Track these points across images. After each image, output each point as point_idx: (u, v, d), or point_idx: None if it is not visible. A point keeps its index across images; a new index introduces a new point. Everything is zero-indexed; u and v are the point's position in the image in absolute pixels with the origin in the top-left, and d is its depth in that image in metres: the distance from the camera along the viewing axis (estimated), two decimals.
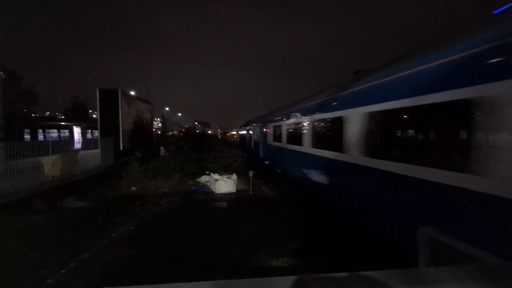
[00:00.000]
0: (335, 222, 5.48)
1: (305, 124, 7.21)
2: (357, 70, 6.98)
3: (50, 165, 8.25)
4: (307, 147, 6.95)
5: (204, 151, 14.25)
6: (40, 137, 18.50)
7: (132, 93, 17.32)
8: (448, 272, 0.77)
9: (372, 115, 4.20)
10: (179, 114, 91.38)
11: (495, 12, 3.04)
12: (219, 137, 42.65)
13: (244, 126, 25.02)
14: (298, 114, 8.00)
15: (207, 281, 0.80)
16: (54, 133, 20.15)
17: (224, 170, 11.74)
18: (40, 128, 19.46)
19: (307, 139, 6.97)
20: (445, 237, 1.38)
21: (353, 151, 4.63)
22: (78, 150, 10.76)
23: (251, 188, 9.76)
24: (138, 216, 6.83)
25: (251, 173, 9.87)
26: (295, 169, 8.07)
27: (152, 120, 20.27)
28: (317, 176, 6.27)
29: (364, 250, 4.22)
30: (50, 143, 8.94)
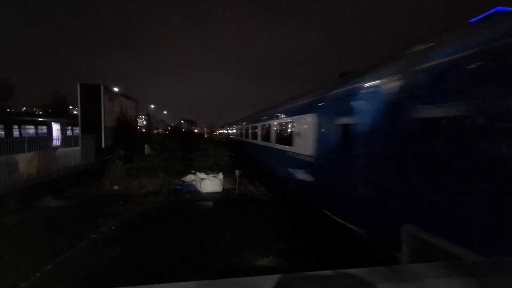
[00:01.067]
0: (320, 221, 5.55)
1: (241, 127, 16.83)
2: (343, 72, 7.11)
3: (25, 162, 7.85)
4: (246, 139, 15.16)
5: (190, 150, 14.05)
6: (16, 133, 17.56)
7: (116, 89, 16.78)
8: (431, 269, 0.79)
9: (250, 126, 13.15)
10: (165, 112, 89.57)
11: (471, 20, 3.16)
12: (206, 136, 42.28)
13: (221, 127, 40.36)
14: (237, 124, 19.10)
15: (189, 281, 0.77)
16: (31, 129, 19.18)
17: (210, 169, 11.63)
18: (16, 124, 18.45)
19: (244, 135, 15.76)
20: (426, 235, 1.42)
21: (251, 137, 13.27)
22: (56, 147, 10.30)
23: (237, 187, 9.71)
24: (121, 216, 6.63)
25: (237, 172, 9.82)
26: (240, 149, 16.88)
27: (137, 117, 19.73)
28: (243, 149, 15.42)
29: (348, 248, 4.30)
30: (26, 139, 8.50)
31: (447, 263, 0.83)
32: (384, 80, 3.57)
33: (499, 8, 2.89)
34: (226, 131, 28.95)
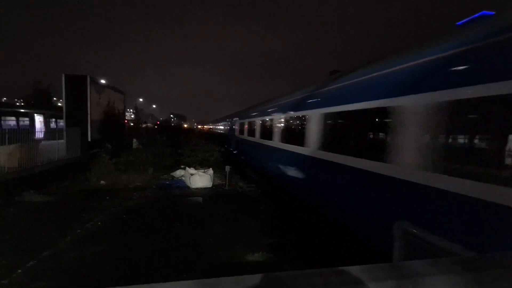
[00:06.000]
0: (309, 217, 5.62)
1: (226, 123, 22.12)
2: (333, 70, 7.21)
3: (6, 155, 7.53)
4: (231, 133, 17.87)
5: (180, 144, 13.88)
6: None
7: (103, 81, 16.29)
8: (430, 265, 0.79)
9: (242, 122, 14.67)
10: (154, 106, 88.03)
11: (458, 23, 3.23)
12: (196, 131, 41.86)
13: (210, 123, 48.55)
14: (221, 121, 27.41)
15: (186, 280, 0.74)
16: (11, 121, 18.37)
17: (201, 164, 11.52)
18: None
19: (228, 129, 19.57)
20: (420, 231, 1.45)
21: (244, 134, 13.38)
22: (40, 139, 9.92)
23: (227, 183, 9.67)
24: (108, 211, 6.47)
25: (227, 168, 9.77)
26: (228, 142, 19.07)
27: (125, 110, 19.26)
28: (229, 141, 18.40)
29: (337, 243, 4.37)
30: (6, 131, 8.13)
31: (444, 260, 0.84)
32: None
33: (484, 11, 2.99)
34: (218, 126, 31.70)
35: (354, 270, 0.76)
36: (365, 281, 0.71)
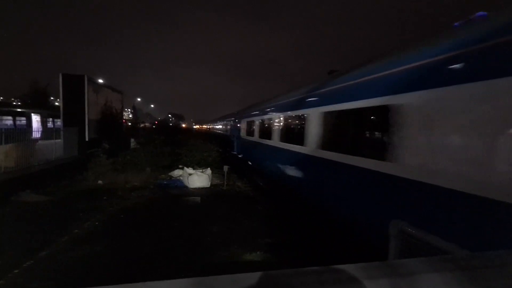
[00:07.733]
0: (307, 217, 5.63)
1: (219, 123, 29.44)
2: (331, 70, 7.24)
3: (3, 155, 7.47)
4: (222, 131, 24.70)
5: (178, 144, 13.87)
6: None
7: (101, 81, 16.24)
8: (424, 263, 0.80)
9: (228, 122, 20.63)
10: (152, 106, 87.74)
11: (455, 24, 3.26)
12: (194, 131, 41.79)
13: (207, 123, 52.14)
14: (219, 121, 30.20)
15: (181, 278, 0.74)
16: (8, 120, 18.24)
17: (199, 164, 11.52)
18: None
19: (222, 128, 25.43)
20: (415, 231, 1.46)
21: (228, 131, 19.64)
22: (37, 139, 9.87)
23: (225, 183, 9.67)
24: (105, 211, 6.45)
25: (225, 168, 9.77)
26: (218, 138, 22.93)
27: (122, 110, 19.20)
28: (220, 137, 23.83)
29: (335, 243, 4.39)
30: (3, 130, 8.08)
31: (439, 258, 0.85)
32: None
33: (480, 13, 3.03)
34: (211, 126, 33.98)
35: (349, 268, 0.77)
36: (359, 279, 0.72)
